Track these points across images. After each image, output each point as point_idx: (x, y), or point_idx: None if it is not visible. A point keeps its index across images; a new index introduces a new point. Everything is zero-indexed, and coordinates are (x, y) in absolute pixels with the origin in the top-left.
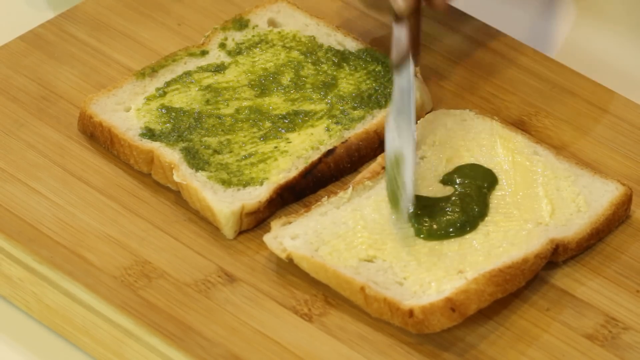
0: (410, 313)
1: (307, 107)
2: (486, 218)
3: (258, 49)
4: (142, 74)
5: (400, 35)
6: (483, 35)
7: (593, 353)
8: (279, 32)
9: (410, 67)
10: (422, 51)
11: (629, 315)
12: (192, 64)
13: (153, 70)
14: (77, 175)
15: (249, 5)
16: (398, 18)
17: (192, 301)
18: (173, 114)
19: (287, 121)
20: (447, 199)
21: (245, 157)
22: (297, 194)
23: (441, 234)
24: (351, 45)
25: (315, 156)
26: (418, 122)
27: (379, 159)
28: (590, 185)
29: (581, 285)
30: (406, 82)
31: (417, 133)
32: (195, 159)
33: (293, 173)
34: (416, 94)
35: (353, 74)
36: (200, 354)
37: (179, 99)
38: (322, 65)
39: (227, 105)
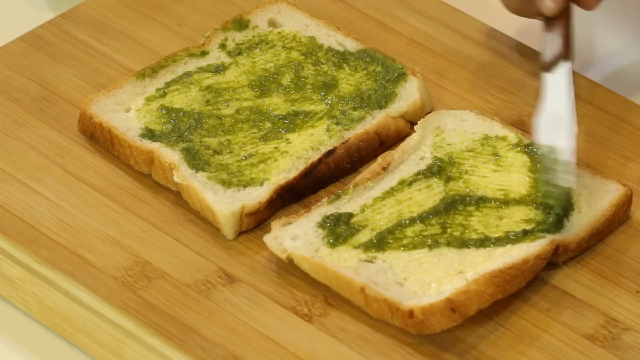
0: (411, 313)
1: (307, 107)
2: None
3: (258, 50)
4: (142, 75)
5: (554, 35)
6: (483, 36)
7: (593, 353)
8: (279, 33)
9: (568, 67)
10: (422, 51)
11: (629, 316)
12: (192, 64)
13: (153, 71)
14: (77, 175)
15: (249, 5)
16: (550, 18)
17: (192, 302)
18: (173, 114)
19: (287, 122)
20: None
21: (246, 158)
22: (297, 194)
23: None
24: (351, 45)
25: (315, 157)
26: (418, 123)
27: (379, 159)
28: (591, 186)
29: (581, 285)
30: (565, 82)
31: (417, 134)
32: (195, 160)
33: (293, 173)
34: (416, 95)
35: (353, 74)
36: (200, 354)
37: (179, 100)
38: (322, 66)
39: (227, 105)
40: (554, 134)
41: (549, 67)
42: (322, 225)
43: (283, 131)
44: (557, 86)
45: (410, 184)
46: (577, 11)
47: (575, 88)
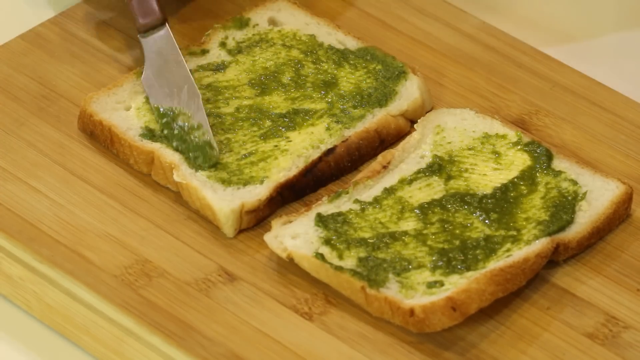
0: (411, 312)
1: (308, 105)
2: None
3: (258, 48)
4: (142, 73)
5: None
6: (483, 34)
7: (593, 352)
8: (279, 31)
9: (165, 27)
10: (422, 50)
11: (630, 314)
12: (192, 62)
13: None
14: (78, 174)
15: (249, 4)
16: None
17: (193, 300)
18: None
19: (287, 120)
20: None
21: (246, 156)
22: (298, 192)
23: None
24: (352, 44)
25: (315, 155)
26: (418, 121)
27: (380, 157)
28: (591, 184)
29: (582, 284)
30: (165, 42)
31: (417, 132)
32: None
33: (293, 172)
34: (416, 93)
35: (353, 72)
36: (200, 353)
37: None
38: (323, 64)
39: (228, 104)
40: (166, 98)
41: (144, 31)
42: (322, 223)
43: (283, 129)
44: (157, 50)
45: (410, 182)
46: (578, 11)
47: (576, 86)
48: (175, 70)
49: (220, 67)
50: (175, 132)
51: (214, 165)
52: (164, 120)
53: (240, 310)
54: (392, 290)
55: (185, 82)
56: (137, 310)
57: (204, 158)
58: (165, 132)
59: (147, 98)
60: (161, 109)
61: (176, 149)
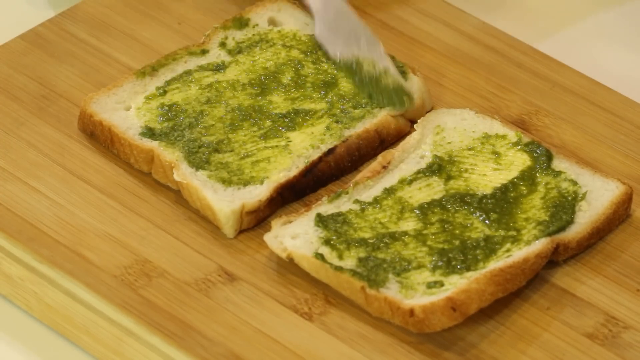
0: (411, 312)
1: (308, 106)
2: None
3: (258, 48)
4: (142, 73)
5: None
6: (483, 34)
7: (593, 352)
8: (279, 31)
9: None
10: (422, 50)
11: (629, 314)
12: (192, 63)
13: (153, 69)
14: (77, 174)
15: (249, 4)
16: None
17: (193, 300)
18: (173, 113)
19: (287, 120)
20: None
21: (246, 156)
22: (298, 193)
23: None
24: None
25: (315, 155)
26: (418, 121)
27: (379, 158)
28: (591, 184)
29: (581, 284)
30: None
31: (417, 132)
32: (195, 158)
33: (293, 172)
34: (416, 93)
35: None
36: (200, 353)
37: (179, 98)
38: (323, 64)
39: (228, 104)
40: (350, 45)
41: None
42: (322, 223)
43: (283, 129)
44: (324, 3)
45: (410, 182)
46: (578, 12)
47: (575, 87)
48: (347, 21)
49: (220, 67)
50: (365, 79)
51: (408, 108)
52: (350, 68)
53: (240, 310)
54: (392, 290)
55: (362, 31)
56: (137, 310)
57: (399, 101)
58: (357, 79)
59: (147, 97)
60: (342, 59)
61: (369, 96)
